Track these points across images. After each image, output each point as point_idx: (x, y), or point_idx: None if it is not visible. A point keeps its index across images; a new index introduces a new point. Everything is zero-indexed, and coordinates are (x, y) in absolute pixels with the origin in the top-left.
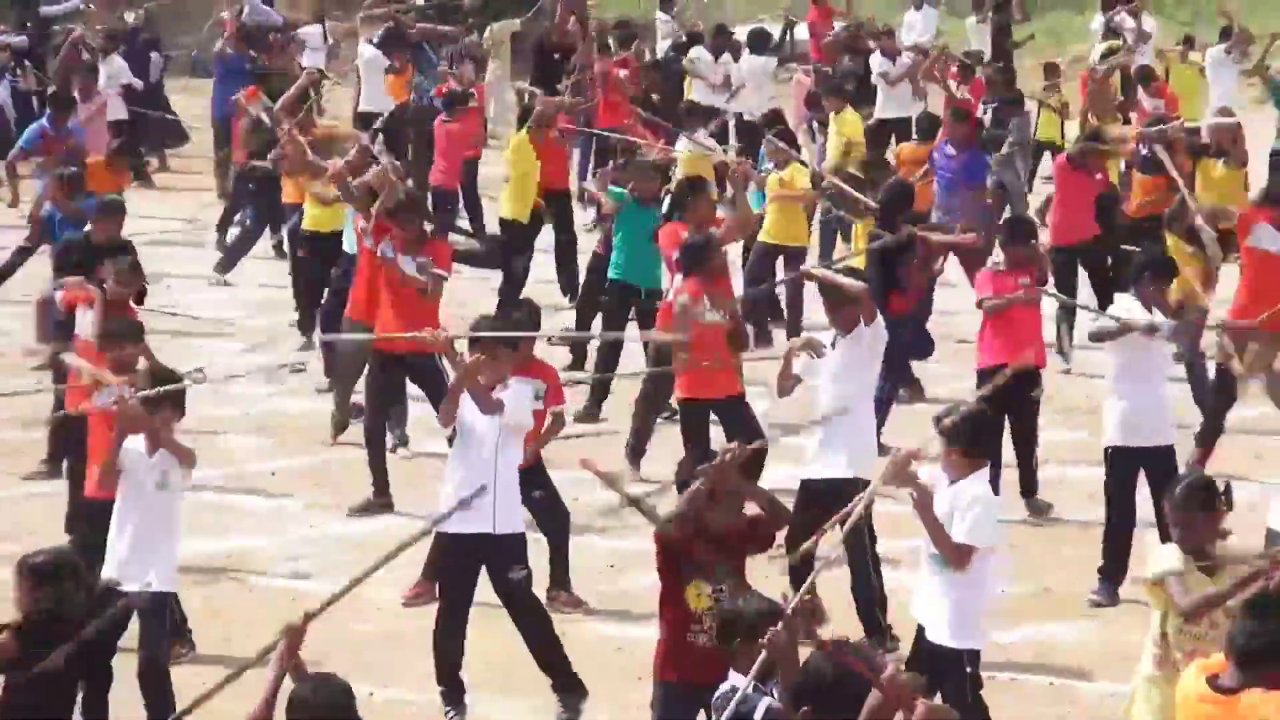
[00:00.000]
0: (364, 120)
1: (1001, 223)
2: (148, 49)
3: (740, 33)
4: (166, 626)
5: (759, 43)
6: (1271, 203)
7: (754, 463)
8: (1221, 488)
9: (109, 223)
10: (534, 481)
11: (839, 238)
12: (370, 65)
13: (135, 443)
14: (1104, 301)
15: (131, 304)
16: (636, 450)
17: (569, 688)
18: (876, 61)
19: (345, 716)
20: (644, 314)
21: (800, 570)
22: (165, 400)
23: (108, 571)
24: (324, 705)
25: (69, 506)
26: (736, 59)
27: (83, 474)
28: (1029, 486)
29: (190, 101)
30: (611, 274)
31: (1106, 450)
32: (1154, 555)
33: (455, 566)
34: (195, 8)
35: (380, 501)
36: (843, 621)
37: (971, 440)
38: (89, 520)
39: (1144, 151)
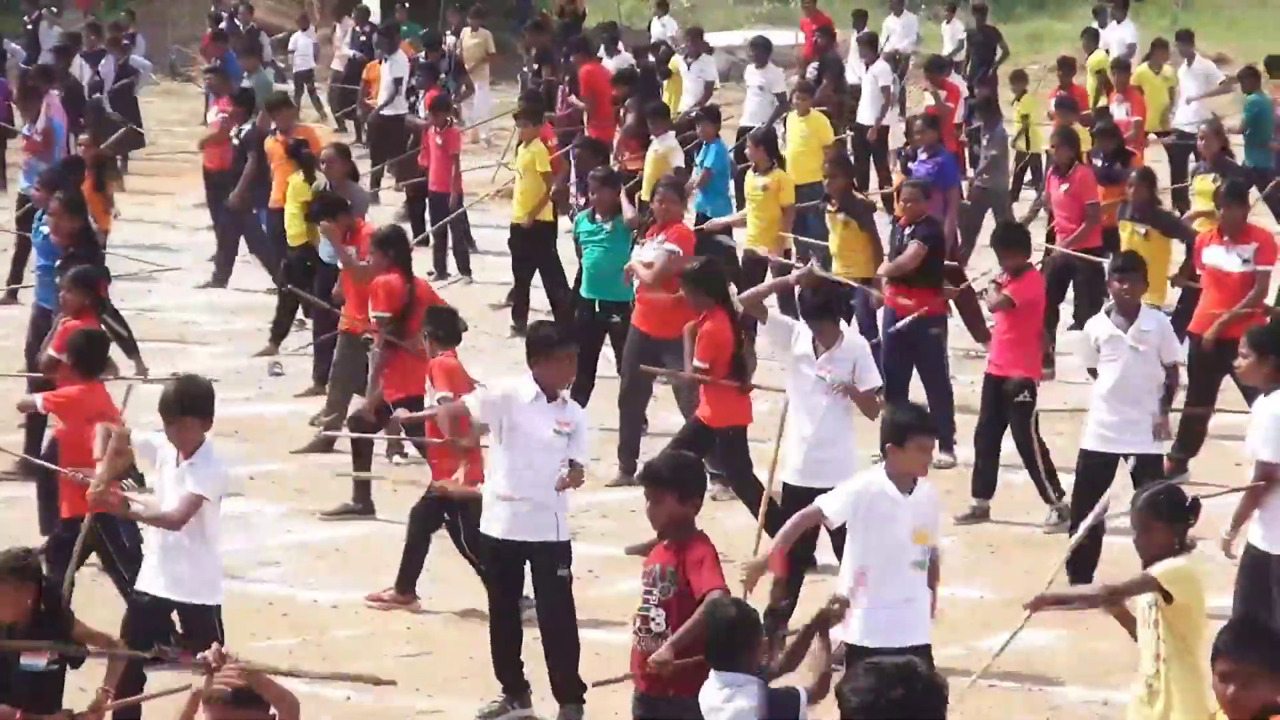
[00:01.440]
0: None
1: (996, 229)
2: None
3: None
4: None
5: (762, 54)
6: (1227, 200)
7: None
8: (1188, 500)
9: (61, 223)
10: None
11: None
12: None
13: (163, 446)
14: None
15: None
16: (630, 455)
17: (572, 697)
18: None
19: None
20: (608, 327)
21: (784, 579)
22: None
23: (142, 584)
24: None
25: (40, 513)
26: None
27: (52, 483)
28: (1043, 494)
29: (169, 104)
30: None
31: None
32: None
33: (507, 571)
34: (177, 11)
35: (358, 507)
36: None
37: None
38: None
39: (1100, 162)
